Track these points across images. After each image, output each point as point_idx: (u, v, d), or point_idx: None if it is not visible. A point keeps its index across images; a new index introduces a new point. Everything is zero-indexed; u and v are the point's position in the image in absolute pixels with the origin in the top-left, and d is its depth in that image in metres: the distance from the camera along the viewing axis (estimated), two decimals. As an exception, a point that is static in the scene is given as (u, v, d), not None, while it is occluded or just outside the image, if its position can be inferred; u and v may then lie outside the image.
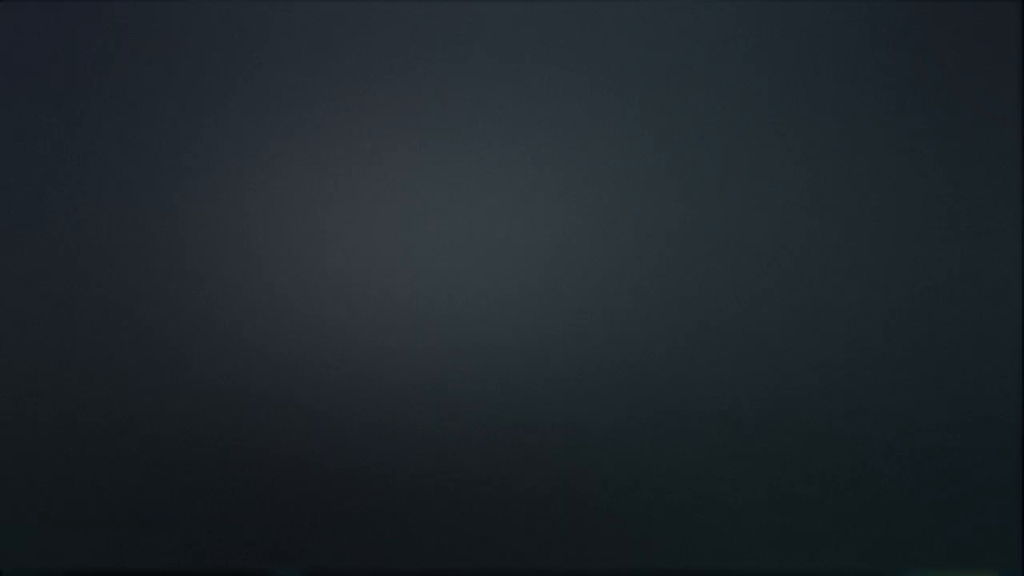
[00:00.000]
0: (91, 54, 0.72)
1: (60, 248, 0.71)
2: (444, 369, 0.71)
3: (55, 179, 0.72)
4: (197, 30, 0.72)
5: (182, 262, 0.71)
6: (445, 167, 0.71)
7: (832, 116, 0.71)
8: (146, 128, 0.72)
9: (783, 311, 0.71)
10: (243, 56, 0.72)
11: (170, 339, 0.71)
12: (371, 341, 0.71)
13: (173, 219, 0.71)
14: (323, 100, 0.72)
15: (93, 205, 0.71)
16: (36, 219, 0.71)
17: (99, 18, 0.72)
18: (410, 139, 0.71)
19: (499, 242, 0.71)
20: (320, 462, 0.71)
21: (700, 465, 0.71)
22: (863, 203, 0.71)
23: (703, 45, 0.71)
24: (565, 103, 0.71)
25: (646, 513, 0.71)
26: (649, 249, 0.71)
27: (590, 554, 0.71)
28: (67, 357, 0.71)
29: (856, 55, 0.71)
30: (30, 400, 0.71)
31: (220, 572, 0.72)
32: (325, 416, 0.71)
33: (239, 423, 0.71)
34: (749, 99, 0.71)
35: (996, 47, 0.71)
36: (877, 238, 0.71)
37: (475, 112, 0.71)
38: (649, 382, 0.71)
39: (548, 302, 0.71)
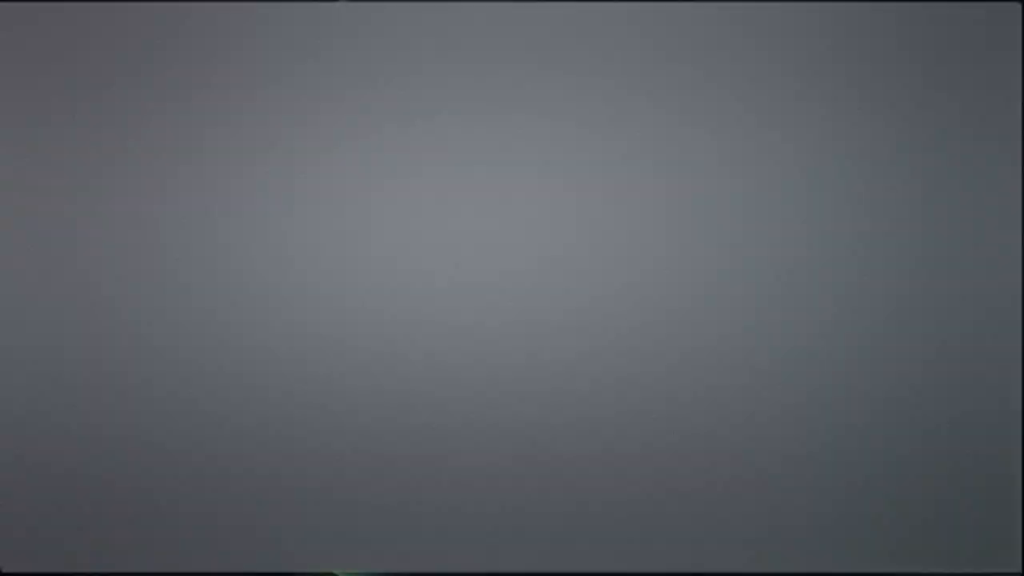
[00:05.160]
0: (93, 53, 0.72)
1: (60, 248, 0.71)
2: (446, 371, 0.71)
3: (55, 179, 0.72)
4: (200, 31, 0.72)
5: (182, 263, 0.71)
6: (449, 169, 0.71)
7: (834, 117, 0.71)
8: (148, 128, 0.72)
9: (784, 311, 0.71)
10: (243, 57, 0.72)
11: (170, 339, 0.71)
12: (373, 341, 0.71)
13: (173, 219, 0.71)
14: (326, 101, 0.71)
15: (93, 206, 0.71)
16: (36, 219, 0.71)
17: (101, 18, 0.72)
18: (415, 141, 0.71)
19: (501, 243, 0.71)
20: (321, 463, 0.71)
21: (701, 465, 0.71)
22: (866, 204, 0.71)
23: (705, 47, 0.71)
24: (572, 104, 0.71)
25: (646, 513, 0.71)
26: (653, 252, 0.71)
27: (594, 554, 0.71)
28: (69, 357, 0.71)
29: (857, 56, 0.71)
30: (30, 401, 0.71)
31: (221, 573, 0.72)
32: (327, 417, 0.71)
33: (241, 423, 0.71)
34: (749, 101, 0.71)
35: (997, 47, 0.71)
36: (878, 238, 0.71)
37: (479, 115, 0.71)
38: (652, 384, 0.71)
39: (548, 304, 0.71)
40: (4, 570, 0.71)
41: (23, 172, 0.72)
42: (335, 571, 0.71)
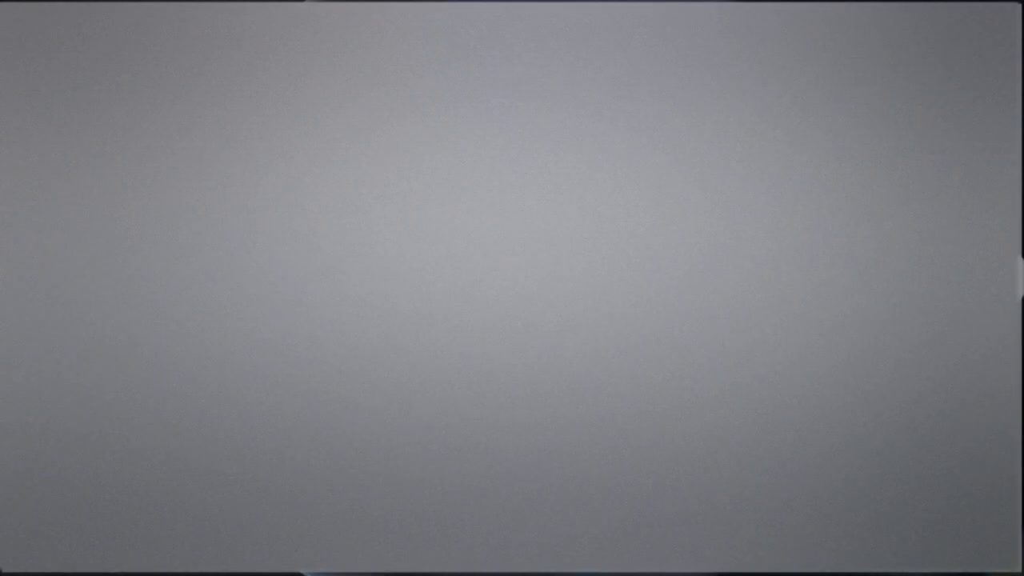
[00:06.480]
0: (98, 53, 0.72)
1: (62, 248, 0.71)
2: (446, 372, 0.71)
3: (56, 179, 0.71)
4: (202, 32, 0.72)
5: (182, 264, 0.71)
6: (450, 169, 0.71)
7: (833, 117, 0.71)
8: (147, 129, 0.72)
9: (783, 311, 0.71)
10: (244, 58, 0.72)
11: (170, 338, 0.71)
12: (374, 342, 0.71)
13: (177, 218, 0.71)
14: (328, 101, 0.71)
15: (99, 205, 0.71)
16: (38, 220, 0.71)
17: (104, 18, 0.72)
18: (416, 141, 0.71)
19: (502, 244, 0.71)
20: (322, 463, 0.71)
21: (701, 465, 0.71)
22: (865, 204, 0.71)
23: (705, 47, 0.71)
24: (573, 105, 0.71)
25: (646, 513, 0.71)
26: (656, 253, 0.71)
27: (594, 554, 0.71)
28: (69, 357, 0.71)
29: (857, 56, 0.71)
30: (30, 401, 0.71)
31: (221, 573, 0.72)
32: (327, 417, 0.71)
33: (242, 423, 0.71)
34: (749, 101, 0.71)
35: (997, 47, 0.71)
36: (878, 238, 0.71)
37: (479, 115, 0.71)
38: (652, 384, 0.71)
39: (549, 304, 0.71)
40: (4, 570, 0.71)
41: (26, 173, 0.72)
42: (330, 571, 0.71)
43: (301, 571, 0.71)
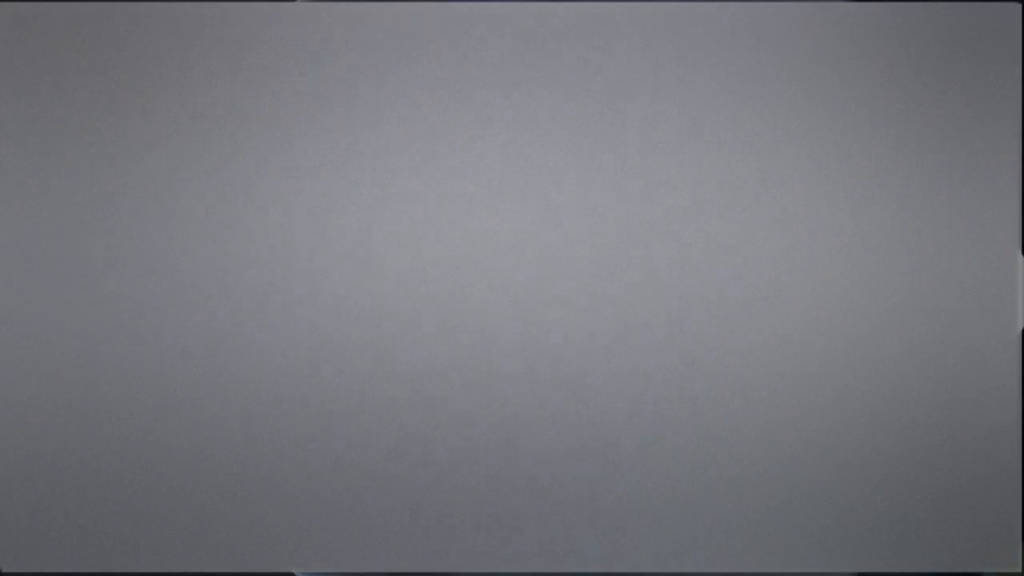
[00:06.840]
0: (95, 53, 0.72)
1: (63, 248, 0.71)
2: (448, 372, 0.71)
3: (60, 179, 0.72)
4: (198, 32, 0.72)
5: (183, 264, 0.71)
6: (451, 170, 0.71)
7: (833, 117, 0.71)
8: (146, 128, 0.72)
9: (784, 312, 0.71)
10: (244, 56, 0.72)
11: (171, 338, 0.71)
12: (375, 342, 0.71)
13: (173, 218, 0.71)
14: (329, 101, 0.71)
15: (95, 206, 0.71)
16: (40, 220, 0.71)
17: (101, 18, 0.72)
18: (418, 140, 0.71)
19: (503, 245, 0.71)
20: (323, 464, 0.71)
21: (699, 465, 0.71)
22: (865, 205, 0.71)
23: (705, 47, 0.71)
24: (575, 105, 0.71)
25: (646, 513, 0.71)
26: (656, 253, 0.71)
27: (594, 554, 0.71)
28: (70, 357, 0.71)
29: (857, 56, 0.71)
30: (31, 400, 0.71)
31: (221, 573, 0.72)
32: (329, 417, 0.71)
33: (242, 423, 0.71)
34: (748, 101, 0.71)
35: (997, 47, 0.71)
36: (877, 238, 0.71)
37: (483, 114, 0.71)
38: (654, 385, 0.71)
39: (550, 305, 0.71)
40: (4, 570, 0.71)
41: (26, 173, 0.72)
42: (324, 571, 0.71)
43: (298, 571, 0.71)
